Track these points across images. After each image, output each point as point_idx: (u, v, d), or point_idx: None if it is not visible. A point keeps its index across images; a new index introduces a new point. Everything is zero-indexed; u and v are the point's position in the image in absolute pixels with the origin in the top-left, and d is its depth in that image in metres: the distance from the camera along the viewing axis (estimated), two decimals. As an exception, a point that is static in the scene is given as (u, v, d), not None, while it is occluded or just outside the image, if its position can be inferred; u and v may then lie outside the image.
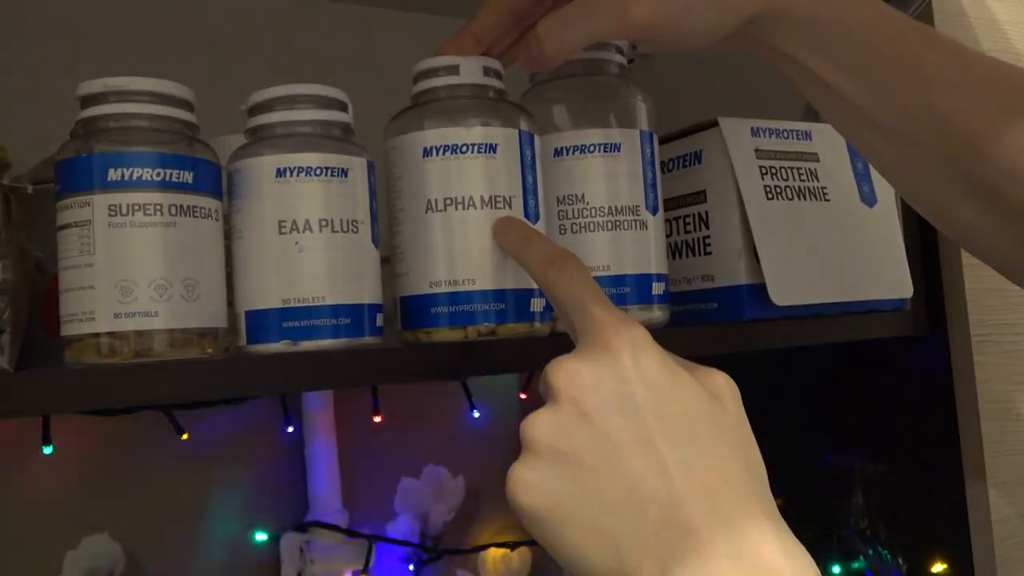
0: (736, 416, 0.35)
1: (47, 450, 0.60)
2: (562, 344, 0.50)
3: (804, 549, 0.31)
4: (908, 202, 0.48)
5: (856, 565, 0.72)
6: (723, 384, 0.35)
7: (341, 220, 0.43)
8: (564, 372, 0.34)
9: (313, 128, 0.44)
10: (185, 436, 0.66)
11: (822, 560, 0.73)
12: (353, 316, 0.43)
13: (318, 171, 0.43)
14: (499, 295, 0.45)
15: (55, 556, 0.66)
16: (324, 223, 0.43)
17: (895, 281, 0.62)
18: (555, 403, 0.34)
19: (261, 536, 0.75)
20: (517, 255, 0.43)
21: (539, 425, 0.34)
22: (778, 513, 0.33)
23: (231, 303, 0.44)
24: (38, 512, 0.66)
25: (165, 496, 0.71)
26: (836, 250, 0.59)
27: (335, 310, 0.42)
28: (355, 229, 0.43)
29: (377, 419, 0.78)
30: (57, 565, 0.66)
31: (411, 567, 0.81)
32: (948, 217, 0.45)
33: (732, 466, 0.32)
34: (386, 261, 0.47)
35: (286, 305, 0.42)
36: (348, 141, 0.45)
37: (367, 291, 0.44)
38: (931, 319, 0.65)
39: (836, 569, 0.72)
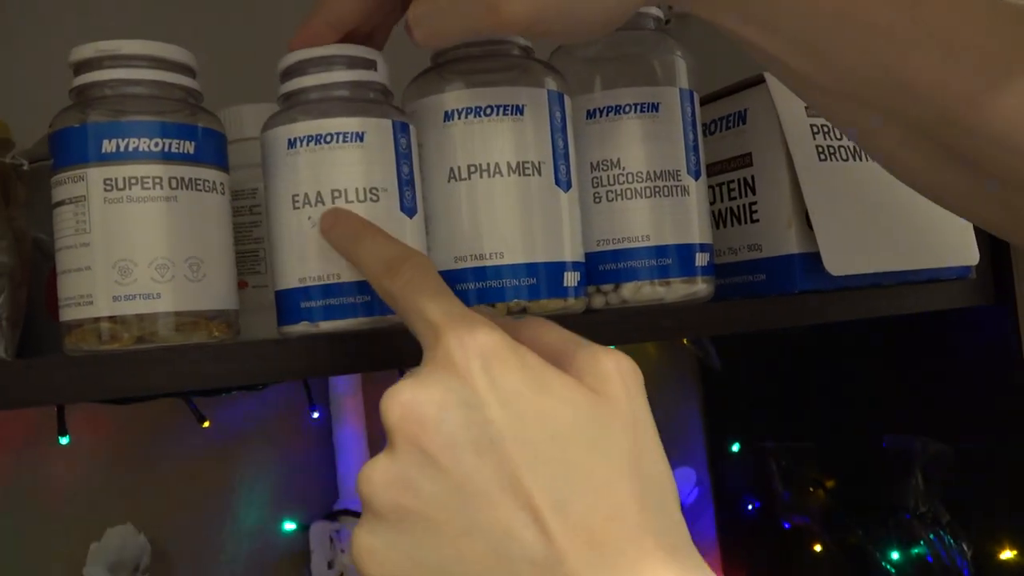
0: (626, 414, 0.29)
1: (64, 440, 0.58)
2: (600, 322, 0.46)
3: None
4: (883, 167, 0.41)
5: (916, 550, 0.67)
6: (611, 371, 0.29)
7: (357, 189, 0.39)
8: (399, 406, 0.28)
9: (323, 93, 0.40)
10: (206, 424, 0.63)
11: (880, 545, 0.70)
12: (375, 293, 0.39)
13: (327, 138, 0.39)
14: (530, 269, 0.42)
15: (79, 548, 0.64)
16: (337, 194, 0.39)
17: (959, 247, 0.57)
18: (393, 447, 0.28)
19: (290, 525, 0.73)
20: (348, 257, 0.37)
21: (376, 478, 0.28)
22: (683, 535, 0.27)
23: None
24: (59, 504, 0.65)
25: (189, 485, 0.69)
26: (895, 215, 0.54)
27: (356, 287, 0.39)
28: (375, 197, 0.40)
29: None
30: (81, 557, 0.64)
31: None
32: (924, 182, 0.39)
33: (620, 496, 0.27)
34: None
35: (303, 284, 0.39)
36: (367, 102, 0.41)
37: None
38: (997, 288, 0.61)
39: (895, 555, 0.68)
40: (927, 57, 0.33)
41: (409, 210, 0.41)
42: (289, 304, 0.40)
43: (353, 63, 0.40)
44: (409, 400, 0.28)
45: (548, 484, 0.26)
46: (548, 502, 0.26)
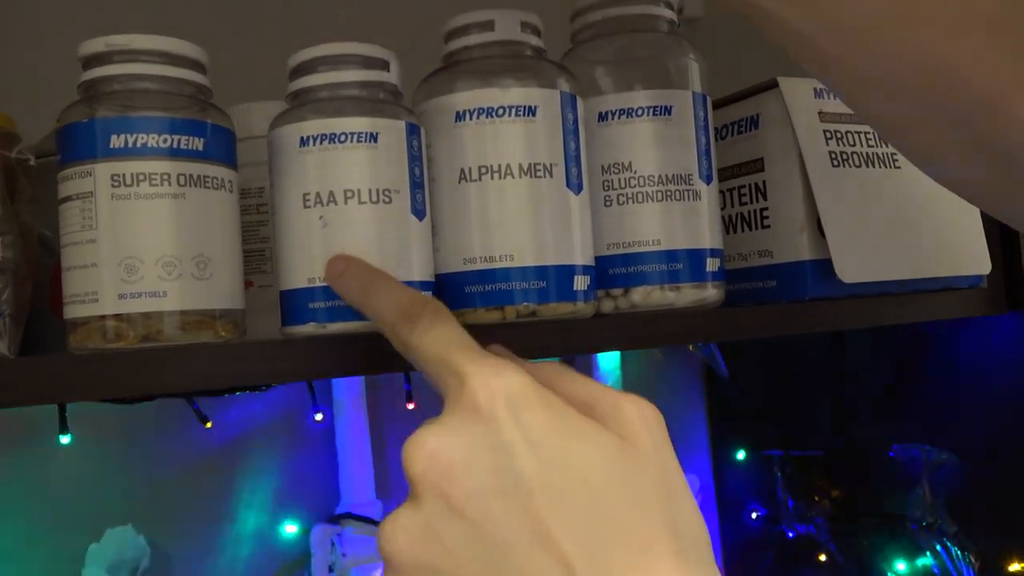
0: (655, 460, 0.27)
1: (65, 440, 0.57)
2: (609, 326, 0.46)
3: None
4: (905, 156, 0.39)
5: (923, 561, 0.67)
6: (635, 417, 0.28)
7: (370, 190, 0.39)
8: (423, 453, 0.27)
9: (334, 92, 0.40)
10: (208, 425, 0.63)
11: (886, 555, 0.69)
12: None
13: (341, 137, 0.39)
14: (540, 272, 0.41)
15: (78, 549, 0.64)
16: (349, 194, 0.39)
17: (972, 256, 0.56)
18: (416, 498, 0.27)
19: (291, 528, 0.72)
20: (360, 306, 0.36)
21: (398, 534, 0.26)
22: (713, 566, 0.26)
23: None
24: (59, 504, 0.64)
25: (190, 487, 0.69)
26: (907, 222, 0.54)
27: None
28: (387, 199, 0.39)
29: (410, 406, 0.75)
30: (81, 558, 0.64)
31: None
32: (958, 179, 0.37)
33: (654, 546, 0.25)
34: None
35: (311, 285, 0.39)
36: (380, 103, 0.40)
37: (403, 266, 0.39)
38: (1009, 297, 0.60)
39: (901, 566, 0.68)
40: (972, 45, 0.31)
41: (419, 212, 0.40)
42: (296, 304, 0.39)
43: (366, 63, 0.40)
44: (434, 448, 0.27)
45: (579, 533, 0.25)
46: (579, 552, 0.25)
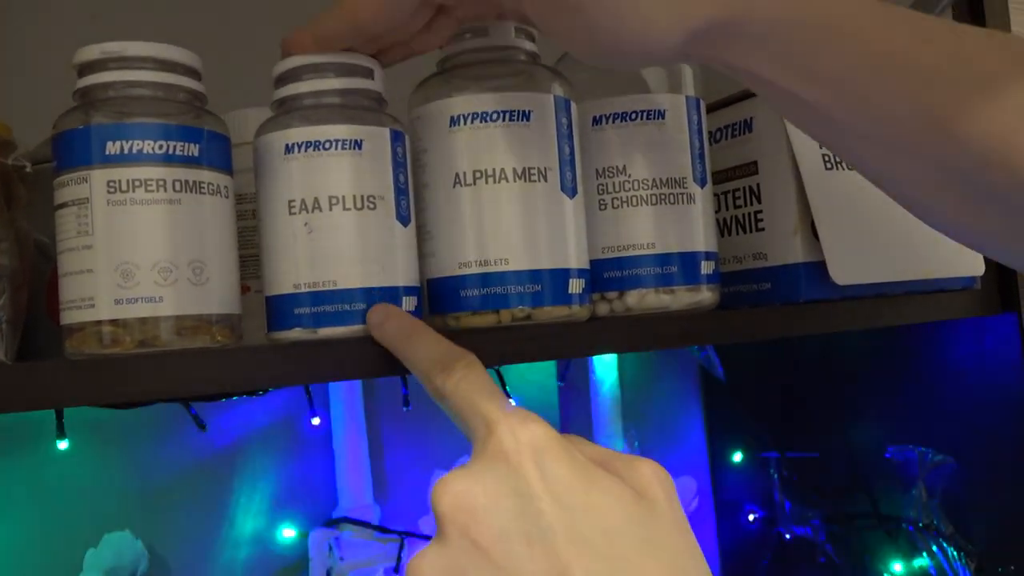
0: (670, 518, 0.29)
1: (63, 445, 0.57)
2: (604, 330, 0.46)
3: None
4: (912, 213, 0.40)
5: (919, 562, 0.67)
6: (651, 477, 0.29)
7: (355, 196, 0.39)
8: (451, 496, 0.28)
9: (318, 100, 0.40)
10: (205, 429, 0.63)
11: (882, 557, 0.69)
12: (373, 301, 0.39)
13: (326, 144, 0.39)
14: (535, 276, 0.42)
15: (76, 554, 0.64)
16: (334, 200, 0.39)
17: (964, 258, 0.57)
18: (443, 538, 0.28)
19: (288, 532, 0.72)
20: (398, 352, 0.37)
21: (424, 570, 0.27)
22: None
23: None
24: (57, 510, 0.64)
25: (188, 491, 0.68)
26: (901, 224, 0.54)
27: (350, 294, 0.39)
28: (372, 205, 0.39)
29: (407, 409, 0.75)
30: (78, 563, 0.64)
31: (445, 563, 0.77)
32: (957, 227, 0.38)
33: None
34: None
35: (297, 291, 0.39)
36: (364, 110, 0.41)
37: (390, 273, 0.40)
38: (1003, 298, 0.60)
39: (897, 567, 0.68)
40: (969, 98, 0.32)
41: (404, 219, 0.41)
42: (282, 310, 0.39)
43: (350, 71, 0.40)
44: (461, 490, 0.28)
45: None
46: None
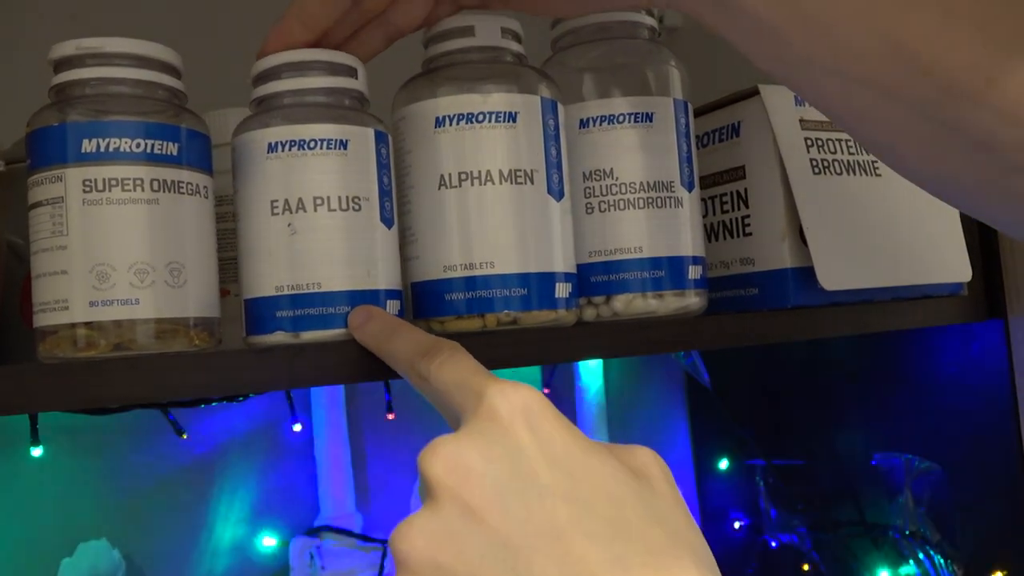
0: (671, 499, 0.27)
1: (37, 452, 0.56)
2: (591, 334, 0.45)
3: None
4: (880, 158, 0.37)
5: (906, 570, 0.67)
6: (649, 461, 0.28)
7: (340, 197, 0.38)
8: (441, 459, 0.26)
9: (302, 98, 0.39)
10: (184, 436, 0.62)
11: (869, 564, 0.69)
12: (356, 304, 0.38)
13: (311, 144, 0.38)
14: (521, 279, 0.41)
15: (51, 564, 0.62)
16: (319, 201, 0.38)
17: (951, 264, 0.57)
18: (434, 502, 0.26)
19: (269, 541, 0.71)
20: (381, 351, 0.36)
21: (414, 535, 0.26)
22: None
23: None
24: (31, 518, 0.63)
25: (166, 499, 0.67)
26: (889, 230, 0.54)
27: (333, 297, 0.38)
28: (357, 207, 0.39)
29: (390, 416, 0.74)
30: (53, 573, 0.62)
31: (428, 572, 0.76)
32: (925, 173, 0.35)
33: (677, 562, 0.24)
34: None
35: (279, 293, 0.38)
36: (348, 110, 0.40)
37: (374, 275, 0.39)
38: (990, 304, 0.60)
39: (885, 574, 0.68)
40: (926, 21, 0.30)
41: (388, 220, 0.40)
42: (262, 313, 0.38)
43: (334, 69, 0.40)
44: (452, 452, 0.26)
45: (601, 541, 0.24)
46: (602, 557, 0.24)
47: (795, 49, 0.33)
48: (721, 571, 0.26)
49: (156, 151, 0.36)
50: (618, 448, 0.29)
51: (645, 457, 0.28)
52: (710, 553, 0.27)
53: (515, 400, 0.27)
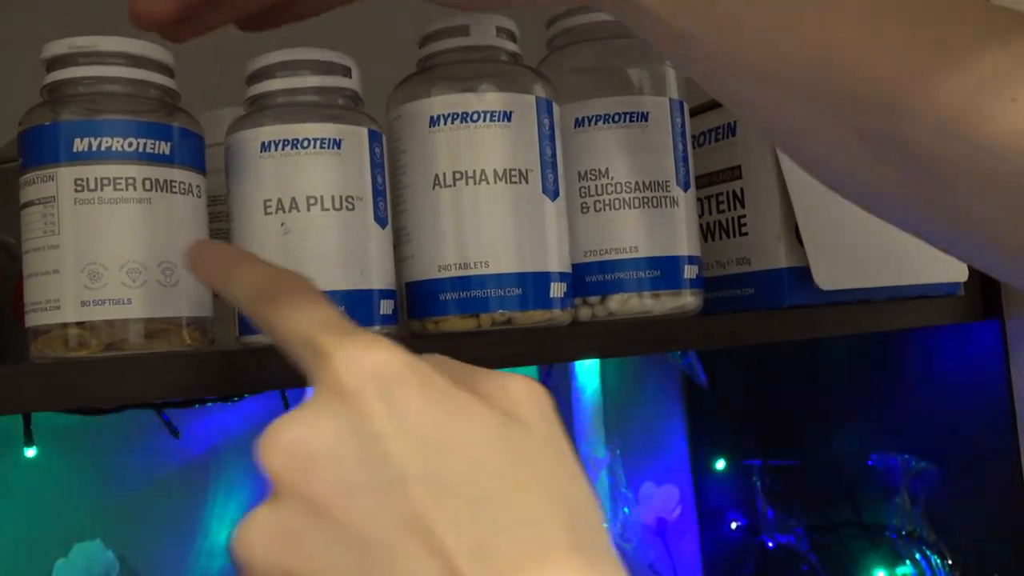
0: (545, 439, 0.25)
1: (30, 452, 0.56)
2: (586, 334, 0.45)
3: None
4: (818, 179, 0.35)
5: (903, 570, 0.67)
6: (523, 396, 0.25)
7: (333, 197, 0.38)
8: (279, 448, 0.23)
9: (295, 98, 0.39)
10: (178, 436, 0.62)
11: (865, 565, 0.69)
12: (351, 304, 0.38)
13: (305, 143, 0.38)
14: (516, 279, 0.41)
15: (45, 565, 0.62)
16: (312, 201, 0.38)
17: (948, 264, 0.56)
18: (274, 497, 0.23)
19: (265, 542, 0.71)
20: (221, 288, 0.31)
21: (253, 537, 0.23)
22: (611, 555, 0.23)
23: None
24: (25, 519, 0.63)
25: (161, 500, 0.67)
26: (885, 230, 0.53)
27: (330, 297, 0.38)
28: (351, 206, 0.38)
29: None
30: (47, 574, 0.62)
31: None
32: (863, 192, 0.34)
33: (547, 533, 0.22)
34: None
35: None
36: (342, 109, 0.40)
37: (368, 275, 0.39)
38: (986, 304, 0.60)
39: (881, 575, 0.67)
40: (854, 28, 0.29)
41: (381, 220, 0.40)
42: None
43: (326, 68, 0.39)
44: (292, 440, 0.23)
45: (462, 525, 0.22)
46: (463, 546, 0.21)
47: (715, 53, 0.32)
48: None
49: (148, 150, 0.36)
50: (490, 383, 0.25)
51: (517, 392, 0.25)
52: (591, 500, 0.24)
53: (366, 366, 0.23)
